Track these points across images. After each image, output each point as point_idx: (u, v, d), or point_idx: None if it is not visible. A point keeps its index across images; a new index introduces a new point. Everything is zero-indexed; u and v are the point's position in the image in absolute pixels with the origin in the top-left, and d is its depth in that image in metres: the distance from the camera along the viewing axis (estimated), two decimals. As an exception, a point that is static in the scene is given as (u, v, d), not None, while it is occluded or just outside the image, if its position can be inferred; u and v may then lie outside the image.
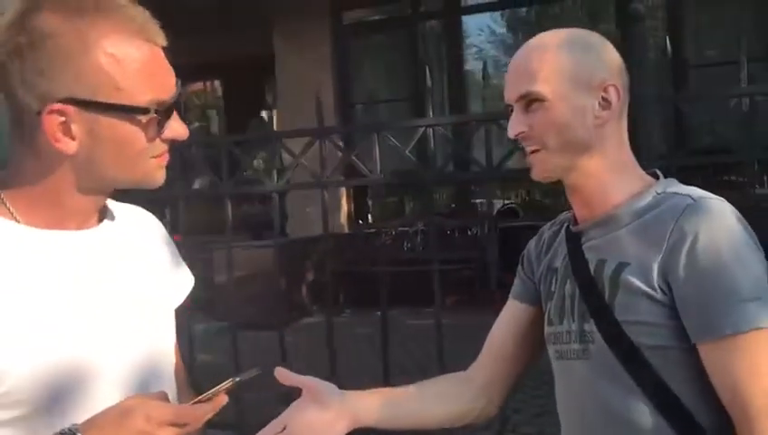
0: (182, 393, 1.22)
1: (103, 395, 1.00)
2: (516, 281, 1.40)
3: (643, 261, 1.14)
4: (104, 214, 1.11)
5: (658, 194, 1.18)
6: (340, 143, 2.87)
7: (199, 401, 0.99)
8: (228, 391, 1.00)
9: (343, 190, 7.85)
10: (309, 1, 7.91)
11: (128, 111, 0.98)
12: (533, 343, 1.37)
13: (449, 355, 2.85)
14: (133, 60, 0.98)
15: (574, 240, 1.26)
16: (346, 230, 7.96)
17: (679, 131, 4.95)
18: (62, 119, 0.96)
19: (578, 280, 1.23)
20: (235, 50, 8.74)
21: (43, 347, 0.96)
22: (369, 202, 8.75)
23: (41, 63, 0.95)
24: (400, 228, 7.78)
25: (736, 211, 1.14)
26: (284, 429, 1.22)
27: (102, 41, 0.96)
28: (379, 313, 2.79)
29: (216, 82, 11.30)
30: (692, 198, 1.13)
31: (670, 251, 1.11)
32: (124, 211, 1.18)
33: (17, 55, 0.95)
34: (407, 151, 2.78)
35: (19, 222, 1.01)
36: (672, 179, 1.23)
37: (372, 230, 8.16)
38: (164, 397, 0.99)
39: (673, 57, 6.29)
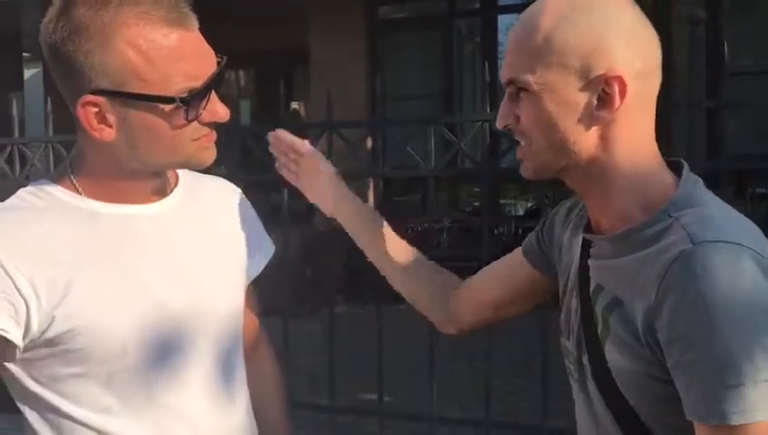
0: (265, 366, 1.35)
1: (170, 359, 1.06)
2: (532, 238, 1.24)
3: (633, 306, 0.93)
4: (170, 189, 1.14)
5: (671, 217, 0.93)
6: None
7: None
8: None
9: (370, 184, 7.89)
10: (345, -6, 7.95)
11: (154, 101, 0.99)
12: (519, 301, 1.28)
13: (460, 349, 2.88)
14: (158, 48, 0.97)
15: (585, 247, 1.07)
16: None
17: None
18: (96, 109, 1.00)
19: (579, 300, 1.05)
20: (268, 41, 8.79)
21: (104, 311, 1.01)
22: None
23: (74, 57, 0.97)
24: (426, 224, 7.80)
25: (759, 256, 0.86)
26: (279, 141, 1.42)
27: (126, 31, 0.97)
28: (402, 307, 2.81)
29: (249, 73, 11.36)
30: (692, 241, 0.87)
31: (658, 303, 0.88)
32: (202, 184, 1.22)
33: (55, 50, 0.99)
34: (462, 145, 2.75)
35: (82, 195, 1.06)
36: (695, 184, 0.99)
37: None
38: None
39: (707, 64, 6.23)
